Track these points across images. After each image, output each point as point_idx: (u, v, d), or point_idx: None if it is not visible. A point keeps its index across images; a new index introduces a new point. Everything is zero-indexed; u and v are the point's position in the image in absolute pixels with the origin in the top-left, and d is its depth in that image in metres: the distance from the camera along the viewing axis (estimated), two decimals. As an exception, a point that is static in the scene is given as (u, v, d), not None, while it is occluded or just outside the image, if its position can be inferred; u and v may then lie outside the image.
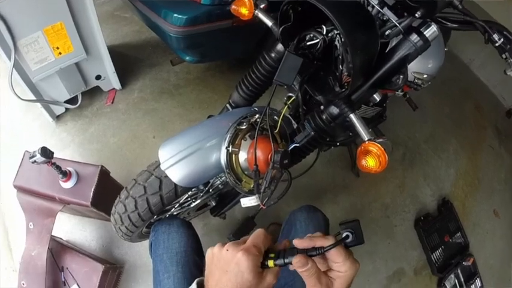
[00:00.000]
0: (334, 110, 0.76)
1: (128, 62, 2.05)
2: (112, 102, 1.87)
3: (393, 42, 0.70)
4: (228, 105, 1.02)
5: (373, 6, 0.69)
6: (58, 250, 1.26)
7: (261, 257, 0.49)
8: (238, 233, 1.48)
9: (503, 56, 0.65)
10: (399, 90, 1.19)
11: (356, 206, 1.84)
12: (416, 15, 0.64)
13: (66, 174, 1.15)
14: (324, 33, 0.70)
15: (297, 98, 0.84)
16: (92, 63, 1.65)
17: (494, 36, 0.64)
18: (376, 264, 1.71)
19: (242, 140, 0.83)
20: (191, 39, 1.47)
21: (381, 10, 0.68)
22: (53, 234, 1.20)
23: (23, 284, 1.15)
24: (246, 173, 0.84)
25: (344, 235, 0.49)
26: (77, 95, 1.73)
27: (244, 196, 0.82)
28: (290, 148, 0.82)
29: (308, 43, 0.72)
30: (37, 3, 1.26)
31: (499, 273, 1.97)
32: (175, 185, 0.85)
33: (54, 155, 1.07)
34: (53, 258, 1.23)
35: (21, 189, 1.21)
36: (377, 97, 0.91)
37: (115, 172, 1.35)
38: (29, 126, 1.77)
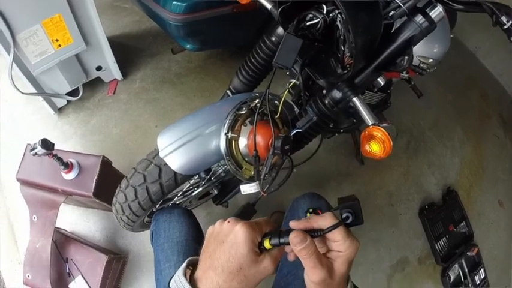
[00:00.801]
0: (337, 94, 0.74)
1: (128, 52, 2.03)
2: (113, 93, 1.86)
3: (397, 24, 0.68)
4: (228, 91, 1.01)
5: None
6: (62, 242, 1.27)
7: (260, 236, 0.48)
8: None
9: (512, 39, 0.63)
10: (404, 72, 1.16)
11: (360, 194, 1.82)
12: (421, -5, 0.62)
13: (67, 166, 1.15)
14: (325, 12, 0.68)
15: (298, 81, 0.82)
16: (92, 54, 1.64)
17: (502, 18, 0.60)
18: (380, 253, 1.70)
19: (242, 126, 0.81)
20: (191, 27, 1.45)
21: (384, -11, 0.66)
22: (57, 226, 1.21)
23: (28, 276, 1.16)
24: (246, 159, 0.82)
25: (344, 216, 0.47)
26: (78, 87, 1.72)
27: (245, 183, 0.81)
28: (292, 134, 0.80)
29: (308, 23, 0.70)
30: (35, -4, 1.25)
31: (503, 264, 1.95)
32: (174, 172, 0.84)
33: (57, 147, 1.06)
34: (57, 250, 1.24)
35: (24, 182, 1.21)
36: (381, 81, 0.89)
37: (118, 162, 1.35)
38: (30, 120, 1.77)
